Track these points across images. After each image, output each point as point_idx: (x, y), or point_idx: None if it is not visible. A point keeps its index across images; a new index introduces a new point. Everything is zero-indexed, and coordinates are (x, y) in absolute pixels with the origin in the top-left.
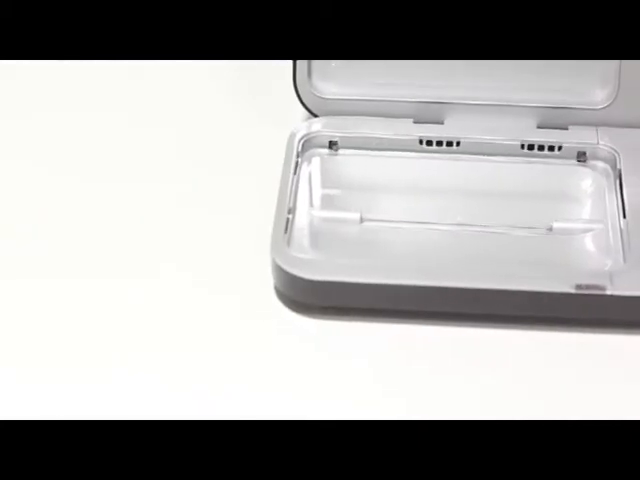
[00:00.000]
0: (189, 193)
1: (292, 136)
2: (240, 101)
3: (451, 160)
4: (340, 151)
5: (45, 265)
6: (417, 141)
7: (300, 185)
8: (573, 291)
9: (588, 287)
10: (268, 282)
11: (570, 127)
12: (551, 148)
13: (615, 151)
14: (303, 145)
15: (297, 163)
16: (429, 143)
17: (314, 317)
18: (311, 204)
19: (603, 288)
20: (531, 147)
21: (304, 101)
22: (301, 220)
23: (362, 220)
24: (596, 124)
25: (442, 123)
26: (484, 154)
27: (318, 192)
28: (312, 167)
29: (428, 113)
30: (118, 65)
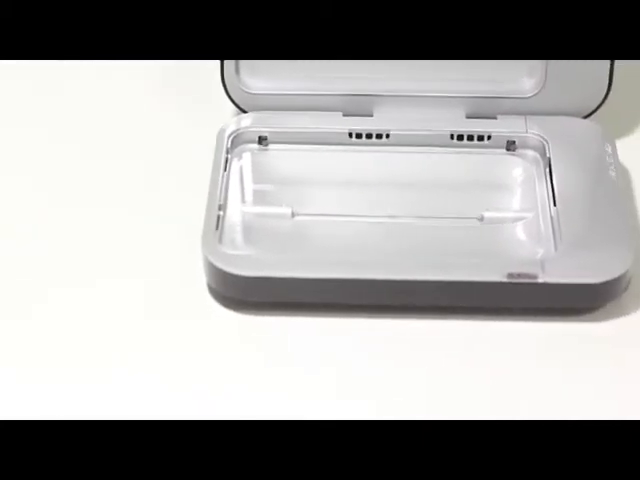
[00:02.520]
0: (120, 193)
1: (221, 132)
2: (168, 100)
3: (381, 152)
4: (270, 146)
5: None
6: (347, 134)
7: (231, 181)
8: (505, 280)
9: (520, 275)
10: (201, 280)
11: (499, 116)
12: (480, 138)
13: (544, 139)
14: (232, 141)
15: (227, 159)
16: (359, 136)
17: (247, 313)
18: (242, 200)
19: (535, 276)
20: (460, 137)
21: (232, 97)
22: (232, 216)
23: (294, 215)
24: (525, 113)
25: (371, 115)
26: (414, 145)
27: (249, 188)
28: (242, 163)
29: (357, 106)
30: (43, 65)
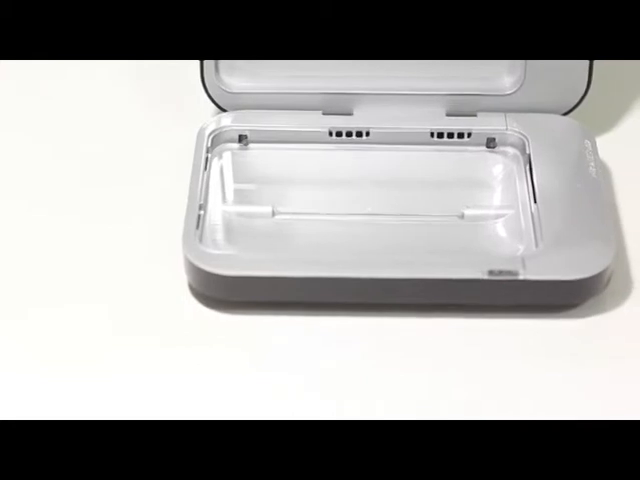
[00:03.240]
0: (99, 193)
1: (201, 132)
2: (148, 100)
3: (361, 150)
4: (250, 145)
5: None
6: (327, 133)
7: (211, 181)
8: (486, 277)
9: (501, 273)
10: (182, 279)
11: (479, 114)
12: (460, 135)
13: (524, 136)
14: (213, 140)
15: (207, 159)
16: (339, 134)
17: (229, 313)
18: (223, 199)
19: (516, 273)
20: (440, 135)
21: (212, 96)
22: (213, 216)
23: (274, 214)
24: (504, 110)
25: (351, 114)
26: (394, 143)
27: (230, 187)
28: (223, 162)
29: (337, 104)
30: (23, 65)
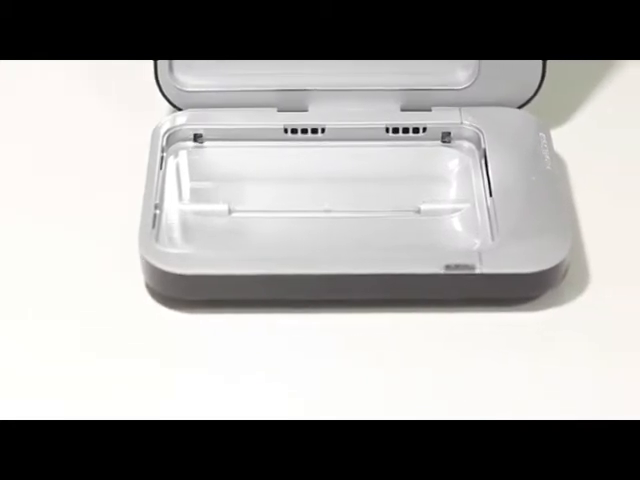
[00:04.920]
0: (54, 194)
1: (156, 131)
2: (102, 99)
3: (317, 147)
4: (206, 143)
5: None
6: (282, 130)
7: (167, 180)
8: (443, 272)
9: (458, 267)
10: (139, 279)
11: (433, 108)
12: (416, 130)
13: (479, 130)
14: (168, 139)
15: (162, 158)
16: (294, 131)
17: (187, 312)
18: (179, 198)
19: (472, 267)
20: (396, 130)
21: (167, 95)
22: (169, 215)
23: (230, 212)
24: (459, 104)
25: (306, 110)
26: (349, 139)
27: (186, 186)
28: (178, 161)
29: (291, 101)
30: None
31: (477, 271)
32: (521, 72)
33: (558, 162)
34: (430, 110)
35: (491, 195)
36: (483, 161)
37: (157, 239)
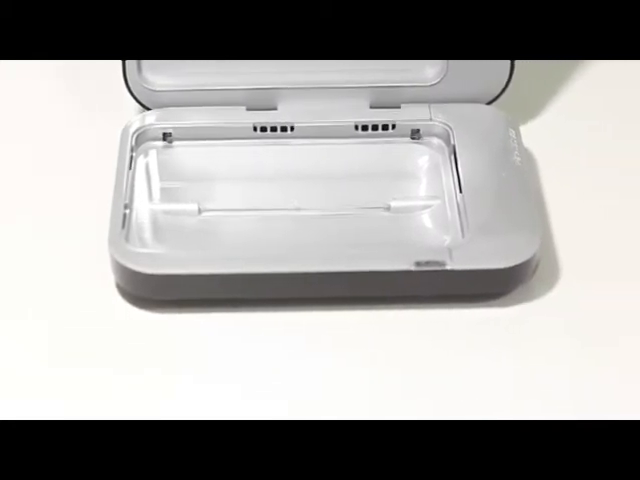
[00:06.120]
0: (24, 194)
1: (125, 130)
2: (70, 100)
3: (286, 145)
4: (175, 143)
5: None
6: (251, 128)
7: (136, 179)
8: (413, 268)
9: (428, 263)
10: (109, 279)
11: (402, 105)
12: (385, 127)
13: (448, 127)
14: (137, 139)
15: (132, 157)
16: (263, 129)
17: (158, 312)
18: (149, 198)
19: (443, 264)
20: (365, 127)
21: (135, 94)
22: (139, 214)
23: (200, 211)
24: (428, 101)
25: (275, 109)
26: (319, 137)
27: (155, 185)
28: (148, 160)
29: (260, 99)
30: None
31: (447, 267)
32: (489, 68)
33: (528, 157)
34: (399, 107)
35: (461, 191)
36: (453, 157)
37: (127, 239)
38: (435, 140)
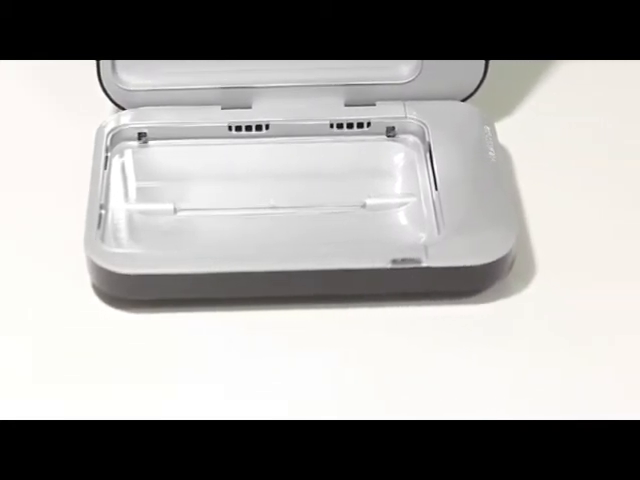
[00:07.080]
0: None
1: (100, 130)
2: (44, 100)
3: (262, 144)
4: (150, 142)
5: None
6: (226, 127)
7: (112, 179)
8: (389, 266)
9: (404, 261)
10: (85, 280)
11: (377, 103)
12: (360, 125)
13: (423, 124)
14: (112, 139)
15: (107, 157)
16: (238, 128)
17: (134, 312)
18: (124, 198)
19: (419, 261)
20: (340, 125)
21: (110, 94)
22: (115, 214)
23: (176, 211)
24: (403, 98)
25: (250, 108)
26: (294, 136)
27: (131, 185)
28: (123, 160)
29: (235, 98)
30: None
31: (423, 265)
32: (464, 66)
33: (503, 154)
34: (374, 105)
35: (436, 188)
36: (428, 155)
37: (103, 239)
38: (410, 137)
